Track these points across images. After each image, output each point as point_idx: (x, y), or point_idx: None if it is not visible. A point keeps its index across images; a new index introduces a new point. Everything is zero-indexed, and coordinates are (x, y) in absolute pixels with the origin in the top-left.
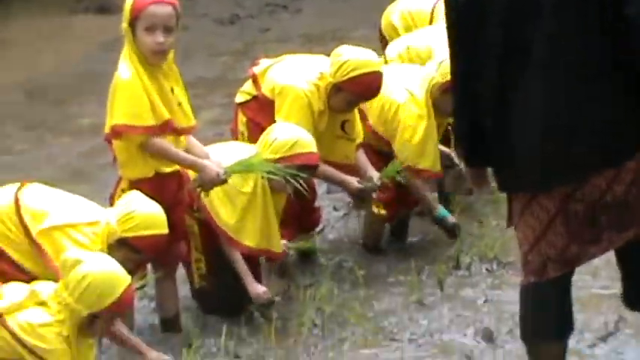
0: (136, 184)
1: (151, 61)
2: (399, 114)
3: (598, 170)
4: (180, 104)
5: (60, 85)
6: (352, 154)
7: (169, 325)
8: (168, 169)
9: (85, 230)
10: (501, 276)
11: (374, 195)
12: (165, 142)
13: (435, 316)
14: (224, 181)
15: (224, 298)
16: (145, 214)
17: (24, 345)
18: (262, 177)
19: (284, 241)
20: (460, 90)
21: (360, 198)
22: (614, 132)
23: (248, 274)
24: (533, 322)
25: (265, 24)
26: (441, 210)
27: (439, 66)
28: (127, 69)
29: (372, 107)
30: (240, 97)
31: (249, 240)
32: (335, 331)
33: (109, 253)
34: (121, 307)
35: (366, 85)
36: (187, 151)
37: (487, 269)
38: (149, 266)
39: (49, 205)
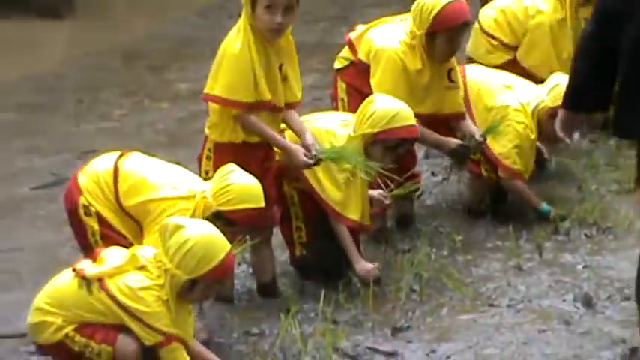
0: (221, 147)
1: (267, 38)
2: (509, 118)
3: None
4: (286, 79)
5: (157, 51)
6: (462, 102)
7: (266, 289)
8: (255, 140)
9: (181, 204)
10: (600, 241)
11: (474, 156)
12: (259, 120)
13: (533, 282)
14: (312, 166)
15: (324, 266)
16: (241, 188)
17: (124, 308)
18: (351, 171)
19: (379, 192)
20: (594, 38)
21: (459, 158)
22: None
23: (355, 250)
24: None
25: None
26: (543, 206)
27: (550, 90)
28: (239, 41)
29: (478, 109)
30: (338, 64)
31: (354, 214)
32: (433, 296)
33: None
34: (221, 273)
35: (451, 15)
36: (285, 122)
37: (586, 234)
38: None
39: (147, 177)
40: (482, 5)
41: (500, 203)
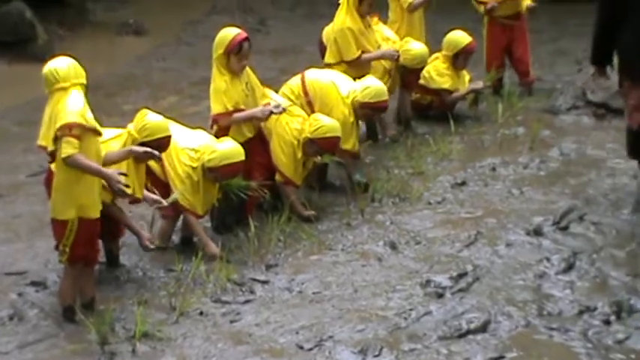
0: None
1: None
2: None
3: None
4: None
5: (110, 83)
6: None
7: (186, 241)
8: None
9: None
10: (401, 206)
11: None
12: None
13: (358, 233)
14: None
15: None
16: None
17: None
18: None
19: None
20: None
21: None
22: None
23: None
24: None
25: None
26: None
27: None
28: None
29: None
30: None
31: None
32: (292, 244)
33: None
34: None
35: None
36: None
37: (392, 202)
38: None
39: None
40: (322, 56)
41: (321, 181)
